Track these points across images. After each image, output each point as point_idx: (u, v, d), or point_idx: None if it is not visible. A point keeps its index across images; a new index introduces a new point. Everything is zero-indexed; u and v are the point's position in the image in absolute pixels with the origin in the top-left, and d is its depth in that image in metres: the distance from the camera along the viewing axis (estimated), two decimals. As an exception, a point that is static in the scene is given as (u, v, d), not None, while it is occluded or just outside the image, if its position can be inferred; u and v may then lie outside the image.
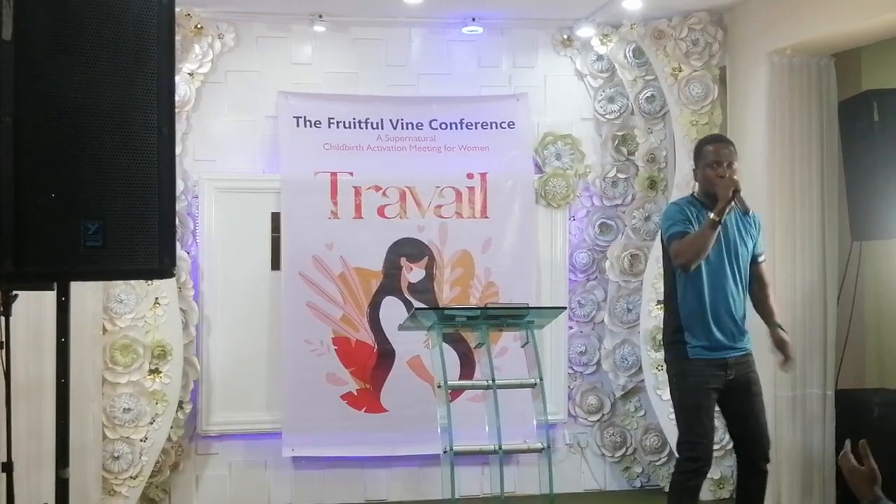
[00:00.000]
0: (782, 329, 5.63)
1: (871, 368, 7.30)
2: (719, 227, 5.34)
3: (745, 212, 5.45)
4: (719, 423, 5.90)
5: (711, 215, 5.32)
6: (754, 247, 5.66)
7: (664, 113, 7.45)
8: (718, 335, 5.49)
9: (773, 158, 6.71)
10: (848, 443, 3.35)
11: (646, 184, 7.49)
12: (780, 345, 5.60)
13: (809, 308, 6.69)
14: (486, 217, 7.27)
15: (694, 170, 5.71)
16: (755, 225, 5.63)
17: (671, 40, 7.26)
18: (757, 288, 5.69)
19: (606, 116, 7.54)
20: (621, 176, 7.54)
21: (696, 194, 5.69)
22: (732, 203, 5.34)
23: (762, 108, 6.78)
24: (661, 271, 5.91)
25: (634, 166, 7.53)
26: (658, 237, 6.35)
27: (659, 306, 6.63)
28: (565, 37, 7.49)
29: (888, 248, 7.12)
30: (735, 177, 5.46)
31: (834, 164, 6.82)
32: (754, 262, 5.66)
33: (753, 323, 5.74)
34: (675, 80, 7.29)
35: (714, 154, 5.54)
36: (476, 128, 7.33)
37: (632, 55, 7.42)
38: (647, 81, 7.44)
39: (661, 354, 6.03)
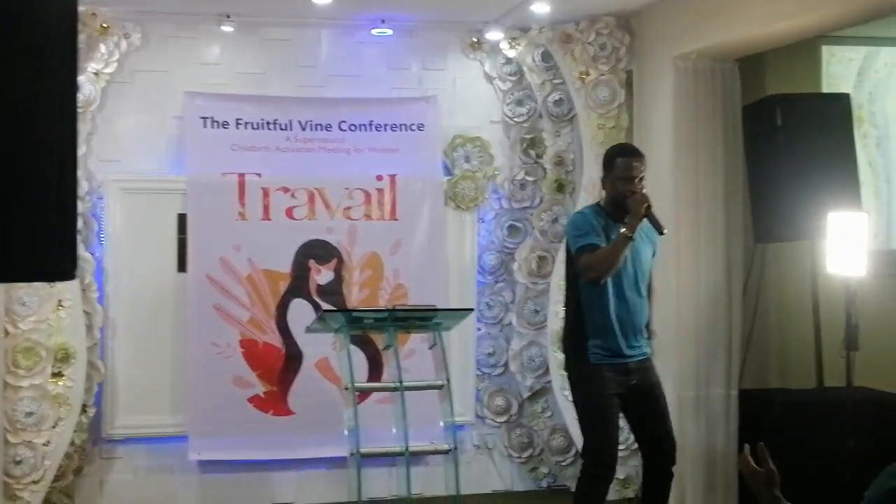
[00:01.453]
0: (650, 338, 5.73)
1: (774, 369, 7.41)
2: (630, 243, 5.39)
3: (660, 231, 5.49)
4: (623, 424, 5.95)
5: (624, 231, 5.36)
6: (652, 255, 5.72)
7: (572, 116, 7.48)
8: (621, 342, 5.55)
9: (678, 162, 6.77)
10: (747, 446, 3.38)
11: (553, 186, 7.52)
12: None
13: (714, 309, 6.76)
14: (396, 219, 7.28)
15: (602, 179, 5.73)
16: (654, 238, 5.66)
17: (579, 44, 7.30)
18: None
19: (515, 119, 7.57)
20: (529, 178, 7.57)
21: (601, 203, 5.72)
22: (644, 219, 5.40)
23: (668, 112, 6.84)
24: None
25: (542, 169, 7.57)
26: (564, 241, 6.34)
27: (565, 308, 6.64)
28: (475, 40, 7.50)
29: (790, 250, 7.25)
30: (645, 191, 5.50)
31: (738, 168, 6.89)
32: None
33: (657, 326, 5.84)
34: (583, 84, 7.32)
35: (625, 168, 5.55)
36: (385, 130, 7.32)
37: (540, 59, 7.44)
38: (555, 85, 7.47)
39: None
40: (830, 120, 6.83)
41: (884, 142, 7.69)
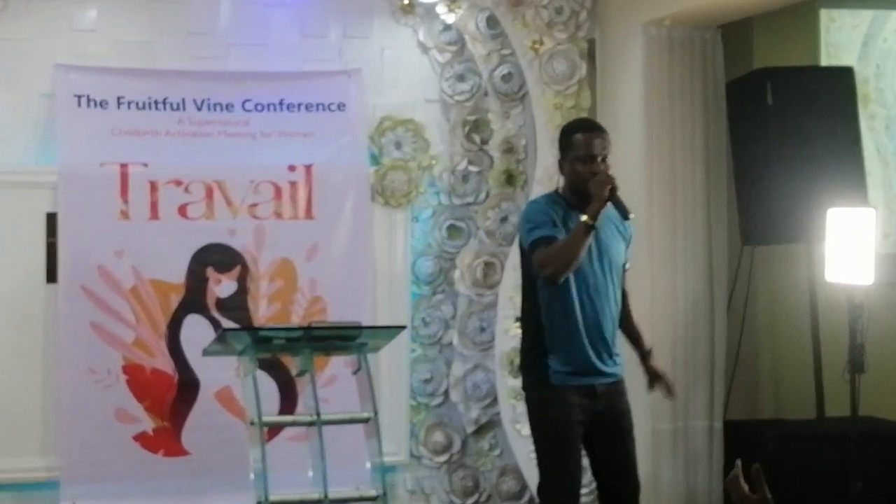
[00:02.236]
0: (652, 356, 5.69)
1: (765, 396, 7.51)
2: (593, 232, 5.32)
3: (626, 216, 5.46)
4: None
5: (584, 218, 5.29)
6: (626, 250, 5.68)
7: (523, 94, 7.45)
8: (589, 358, 5.49)
9: (650, 148, 6.80)
10: (738, 464, 3.37)
11: (502, 178, 7.48)
12: (656, 379, 5.68)
13: (693, 326, 6.81)
14: (312, 218, 7.23)
15: (559, 161, 5.69)
16: (626, 226, 5.64)
17: (531, 8, 7.28)
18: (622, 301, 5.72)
19: (455, 98, 7.51)
20: (473, 169, 7.52)
21: (560, 190, 5.68)
22: (608, 204, 5.34)
23: (637, 89, 6.88)
24: (520, 282, 5.87)
25: (489, 157, 7.52)
26: (516, 242, 6.36)
27: (517, 324, 6.62)
28: (406, 2, 7.43)
29: (784, 253, 7.29)
30: (610, 172, 5.45)
31: (721, 156, 6.95)
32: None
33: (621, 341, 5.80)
34: (536, 56, 7.30)
35: (584, 145, 5.51)
36: (299, 110, 7.28)
37: (485, 25, 7.40)
38: (503, 57, 7.43)
39: (519, 381, 6.00)
40: (831, 98, 6.87)
41: (894, 124, 7.73)
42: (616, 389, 5.60)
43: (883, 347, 6.65)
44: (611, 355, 5.56)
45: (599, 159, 5.49)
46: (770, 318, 7.45)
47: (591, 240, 5.33)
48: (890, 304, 6.87)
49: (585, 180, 5.42)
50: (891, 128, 7.72)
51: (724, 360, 6.89)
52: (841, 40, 7.57)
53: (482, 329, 7.48)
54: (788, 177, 6.68)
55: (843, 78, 7.01)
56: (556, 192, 5.71)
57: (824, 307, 6.97)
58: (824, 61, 7.49)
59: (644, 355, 5.72)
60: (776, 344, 7.45)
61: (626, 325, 5.74)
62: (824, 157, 6.71)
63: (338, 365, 6.85)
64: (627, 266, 5.71)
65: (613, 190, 5.34)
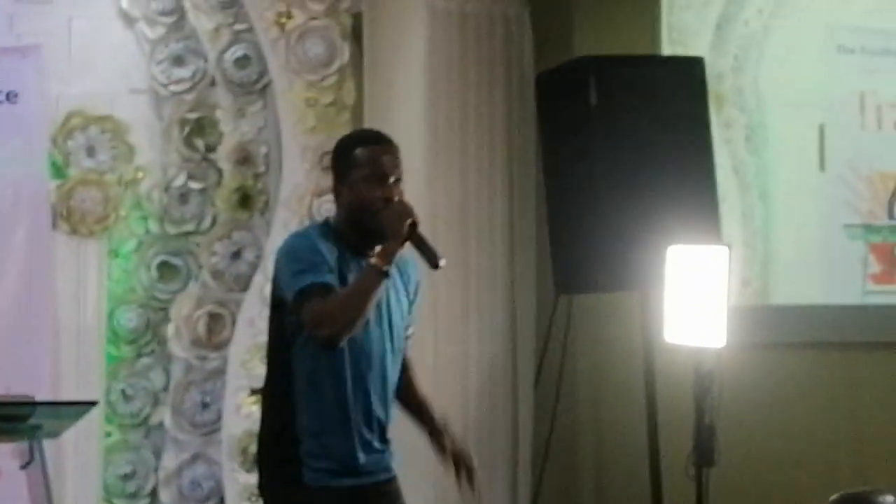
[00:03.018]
0: (447, 432, 5.45)
1: (586, 496, 7.58)
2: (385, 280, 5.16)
3: (434, 263, 5.20)
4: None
5: (374, 260, 5.09)
6: (409, 309, 5.52)
7: (264, 85, 7.54)
8: (357, 449, 5.24)
9: (434, 162, 7.00)
10: None
11: (234, 199, 7.54)
12: (449, 450, 5.38)
13: (489, 405, 6.99)
14: None
15: (336, 186, 5.41)
16: (410, 278, 5.46)
17: (276, -33, 7.35)
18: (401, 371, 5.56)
19: (171, 88, 7.54)
20: (195, 186, 7.56)
21: (332, 220, 5.44)
22: (405, 245, 5.15)
23: (418, 83, 7.10)
24: (261, 341, 5.85)
25: (216, 171, 7.57)
26: (256, 288, 6.65)
27: (254, 399, 6.71)
28: (102, -48, 7.46)
29: (611, 306, 7.29)
30: (406, 199, 5.27)
31: (529, 174, 7.18)
32: None
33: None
34: (282, 33, 7.40)
35: (371, 161, 5.26)
36: None
37: (213, -11, 7.45)
38: (236, 34, 7.52)
39: (255, 478, 5.78)
40: (674, 98, 6.88)
41: (757, 134, 7.77)
42: (390, 489, 5.38)
43: (739, 432, 6.69)
44: (383, 443, 5.36)
45: (392, 180, 5.29)
46: (593, 393, 7.51)
47: (382, 291, 5.15)
48: (748, 374, 6.85)
49: (376, 210, 5.20)
50: (753, 139, 7.77)
51: (530, 450, 7.04)
52: (688, 22, 7.64)
53: (204, 405, 7.49)
54: (617, 203, 6.64)
55: (690, 72, 7.02)
56: (326, 222, 5.49)
57: (664, 377, 6.91)
58: (666, 49, 7.57)
59: (435, 432, 5.46)
60: (600, 427, 7.52)
61: (408, 396, 5.52)
62: (664, 177, 6.70)
63: (2, 455, 6.59)
64: (410, 332, 5.53)
65: (415, 226, 5.13)
